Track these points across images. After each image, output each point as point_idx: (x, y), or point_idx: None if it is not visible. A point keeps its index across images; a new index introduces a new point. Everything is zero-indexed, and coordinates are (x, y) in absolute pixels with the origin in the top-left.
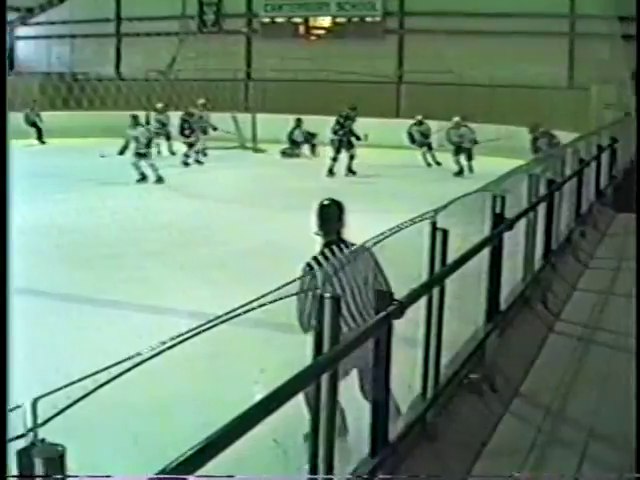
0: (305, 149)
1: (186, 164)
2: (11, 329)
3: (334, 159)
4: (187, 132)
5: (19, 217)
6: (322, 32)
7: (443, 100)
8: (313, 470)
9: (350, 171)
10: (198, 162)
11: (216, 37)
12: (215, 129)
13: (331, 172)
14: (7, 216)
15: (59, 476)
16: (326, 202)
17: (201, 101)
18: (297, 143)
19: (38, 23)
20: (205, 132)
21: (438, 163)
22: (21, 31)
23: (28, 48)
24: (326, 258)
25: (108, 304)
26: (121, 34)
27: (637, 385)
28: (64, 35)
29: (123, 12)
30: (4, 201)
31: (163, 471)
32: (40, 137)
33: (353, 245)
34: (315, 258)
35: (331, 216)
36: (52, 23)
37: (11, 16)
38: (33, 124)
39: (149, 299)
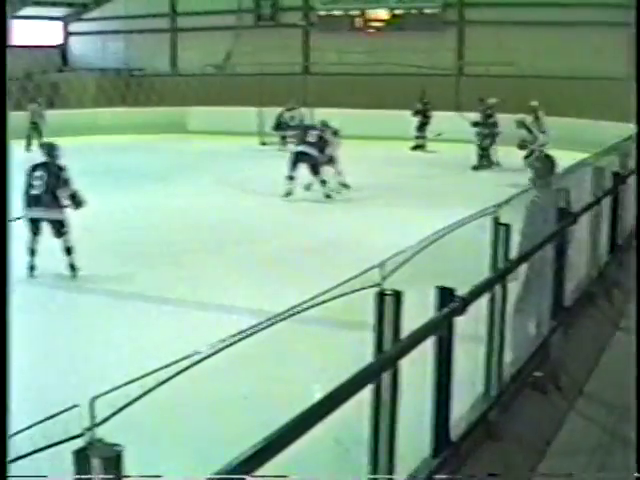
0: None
1: None
2: (73, 326)
3: None
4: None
5: (79, 214)
6: (380, 25)
7: (504, 92)
8: (374, 470)
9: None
10: None
11: (272, 31)
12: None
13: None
14: (7, 216)
15: (116, 476)
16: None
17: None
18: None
19: (92, 19)
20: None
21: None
22: (75, 27)
23: (82, 44)
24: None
25: (168, 302)
26: (177, 29)
27: (637, 386)
28: (119, 31)
29: (178, 7)
30: (4, 201)
31: (221, 471)
32: (29, 142)
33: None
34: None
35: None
36: (106, 19)
37: (65, 11)
38: (33, 123)
39: (208, 297)
